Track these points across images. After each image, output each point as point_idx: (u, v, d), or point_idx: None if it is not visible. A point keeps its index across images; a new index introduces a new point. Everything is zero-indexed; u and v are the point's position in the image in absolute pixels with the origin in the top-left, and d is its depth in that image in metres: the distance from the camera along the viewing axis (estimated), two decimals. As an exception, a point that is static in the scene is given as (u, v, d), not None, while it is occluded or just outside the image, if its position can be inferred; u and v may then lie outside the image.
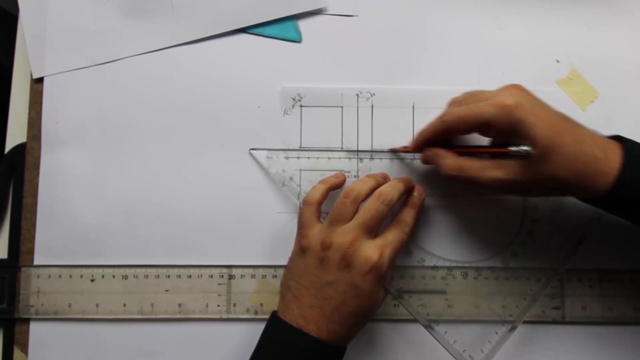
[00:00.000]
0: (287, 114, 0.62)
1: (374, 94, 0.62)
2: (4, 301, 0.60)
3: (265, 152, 0.62)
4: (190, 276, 0.60)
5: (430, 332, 0.57)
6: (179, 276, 0.60)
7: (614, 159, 0.48)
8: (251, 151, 0.62)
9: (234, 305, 0.60)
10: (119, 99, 0.63)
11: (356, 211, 0.54)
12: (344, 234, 0.52)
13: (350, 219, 0.53)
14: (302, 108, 0.62)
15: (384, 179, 0.58)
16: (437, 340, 0.57)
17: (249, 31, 0.64)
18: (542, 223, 0.60)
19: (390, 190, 0.55)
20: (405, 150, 0.60)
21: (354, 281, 0.51)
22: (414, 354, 0.60)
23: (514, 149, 0.49)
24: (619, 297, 0.60)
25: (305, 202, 0.56)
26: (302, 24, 0.64)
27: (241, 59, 0.63)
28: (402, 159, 0.61)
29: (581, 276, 0.60)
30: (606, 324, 0.60)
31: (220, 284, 0.60)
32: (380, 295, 0.53)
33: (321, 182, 0.58)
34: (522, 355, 0.60)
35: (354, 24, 0.64)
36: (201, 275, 0.60)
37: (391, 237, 0.54)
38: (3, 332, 0.61)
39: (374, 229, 0.53)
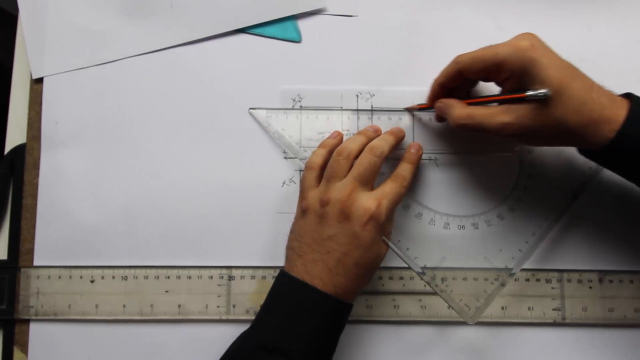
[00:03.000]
0: (287, 114, 0.62)
1: (373, 95, 0.62)
2: (4, 302, 0.60)
3: (265, 110, 0.62)
4: (190, 277, 0.60)
5: (424, 280, 0.58)
6: (178, 277, 0.60)
7: (620, 108, 0.49)
8: (250, 110, 0.62)
9: (234, 306, 0.60)
10: (118, 99, 0.63)
11: (350, 167, 0.55)
12: (340, 189, 0.53)
13: (345, 175, 0.54)
14: (302, 109, 0.62)
15: (376, 133, 0.59)
16: (433, 289, 0.57)
17: (248, 31, 0.64)
18: (538, 179, 0.60)
19: (381, 143, 0.56)
20: (420, 107, 0.60)
21: (354, 232, 0.51)
22: (411, 356, 0.60)
23: (531, 92, 0.49)
24: (619, 299, 0.60)
25: (307, 167, 0.57)
26: (302, 24, 0.64)
27: (241, 59, 0.63)
28: (400, 118, 0.62)
29: (581, 277, 0.60)
30: (607, 325, 0.60)
31: (219, 285, 0.60)
32: (382, 247, 0.54)
33: (320, 146, 0.59)
34: (523, 357, 0.60)
35: (354, 24, 0.64)
36: (201, 276, 0.60)
37: (388, 189, 0.54)
38: (3, 332, 0.61)
39: (369, 181, 0.54)
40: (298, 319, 0.50)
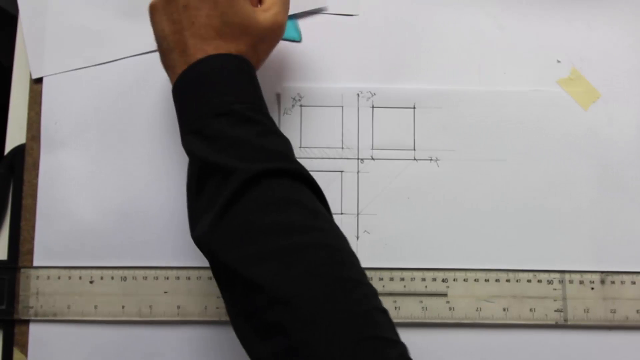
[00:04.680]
0: (286, 113, 0.62)
1: (374, 94, 0.62)
2: (4, 302, 0.60)
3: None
4: (189, 278, 0.60)
5: None
6: (177, 278, 0.60)
7: None
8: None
9: (233, 307, 0.60)
10: (118, 99, 0.63)
11: None
12: None
13: None
14: (302, 108, 0.62)
15: None
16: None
17: (248, 31, 0.63)
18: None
19: None
20: None
21: None
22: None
23: None
24: (621, 300, 0.59)
25: None
26: (302, 24, 0.63)
27: (241, 58, 0.63)
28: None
29: (583, 278, 0.59)
30: (609, 327, 0.59)
31: (219, 286, 0.60)
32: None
33: None
34: (525, 359, 0.59)
35: (355, 23, 0.63)
36: (200, 277, 0.60)
37: None
38: (3, 333, 0.61)
39: None
40: (222, 87, 0.48)
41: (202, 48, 0.49)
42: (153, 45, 0.63)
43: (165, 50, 0.51)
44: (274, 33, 0.53)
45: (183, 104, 0.50)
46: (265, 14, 0.52)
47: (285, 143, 0.49)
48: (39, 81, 0.63)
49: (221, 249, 0.44)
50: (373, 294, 0.44)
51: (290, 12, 0.62)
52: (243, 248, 0.43)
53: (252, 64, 0.51)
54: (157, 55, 0.62)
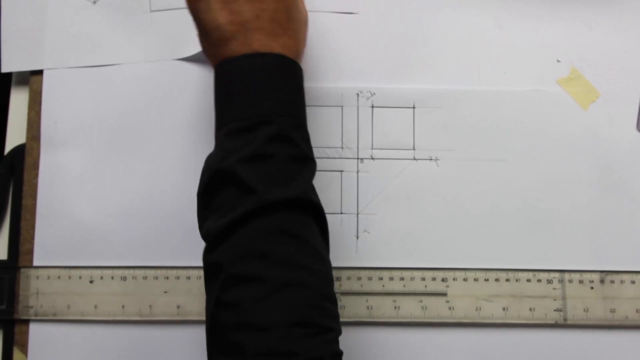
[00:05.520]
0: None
1: (374, 93, 0.62)
2: (4, 302, 0.60)
3: None
4: (189, 277, 0.60)
5: None
6: (177, 278, 0.60)
7: None
8: None
9: (233, 306, 0.60)
10: (118, 98, 0.63)
11: None
12: None
13: None
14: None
15: None
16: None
17: (248, 30, 0.63)
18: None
19: None
20: None
21: None
22: (412, 357, 0.60)
23: None
24: (621, 299, 0.59)
25: None
26: (302, 23, 0.63)
27: (240, 58, 0.63)
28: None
29: (582, 278, 0.59)
30: (608, 327, 0.59)
31: (219, 286, 0.60)
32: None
33: None
34: (525, 358, 0.59)
35: (354, 21, 0.63)
36: (200, 276, 0.60)
37: None
38: (3, 333, 0.61)
39: None
40: (274, 92, 0.47)
41: (268, 44, 0.47)
42: (149, 54, 0.63)
43: (217, 40, 0.48)
44: (307, 25, 0.55)
45: (230, 92, 0.48)
46: (303, 5, 0.54)
47: (310, 171, 0.49)
48: (38, 73, 0.63)
49: (220, 258, 0.45)
50: (334, 340, 0.45)
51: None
52: (236, 265, 0.44)
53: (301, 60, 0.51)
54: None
